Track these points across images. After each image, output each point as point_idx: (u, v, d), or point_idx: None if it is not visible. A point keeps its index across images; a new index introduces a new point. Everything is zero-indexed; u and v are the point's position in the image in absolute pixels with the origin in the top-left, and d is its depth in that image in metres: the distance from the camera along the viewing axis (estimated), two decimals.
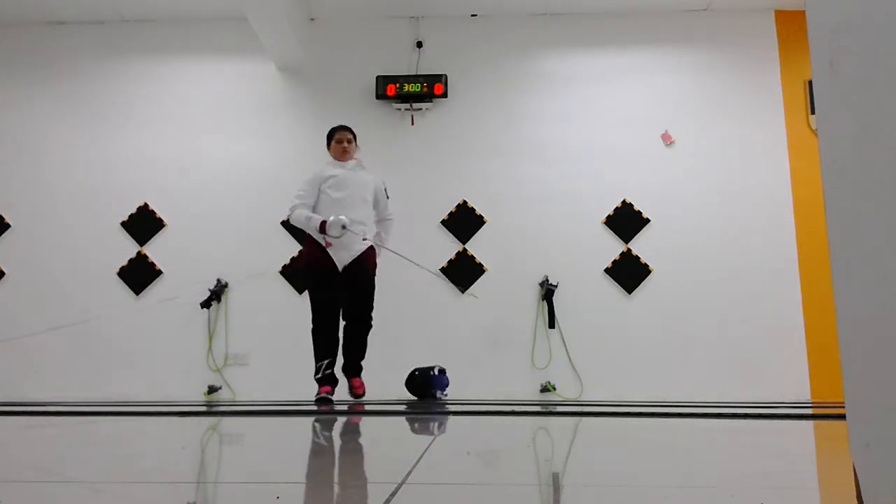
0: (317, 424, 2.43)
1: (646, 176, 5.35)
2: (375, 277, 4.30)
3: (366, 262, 4.26)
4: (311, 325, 4.18)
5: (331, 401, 4.04)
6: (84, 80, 5.76)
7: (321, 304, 4.19)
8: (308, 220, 4.12)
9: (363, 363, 4.33)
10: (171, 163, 5.61)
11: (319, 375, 4.12)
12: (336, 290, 4.18)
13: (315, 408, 3.37)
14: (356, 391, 4.25)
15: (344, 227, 4.04)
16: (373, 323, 4.30)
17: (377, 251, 4.37)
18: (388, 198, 4.44)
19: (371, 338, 5.13)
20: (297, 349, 5.17)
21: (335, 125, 4.43)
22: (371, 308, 4.31)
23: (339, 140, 4.34)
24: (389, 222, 4.42)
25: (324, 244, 4.14)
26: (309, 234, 4.22)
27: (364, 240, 4.22)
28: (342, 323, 4.26)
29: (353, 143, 4.38)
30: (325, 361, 4.14)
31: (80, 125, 5.68)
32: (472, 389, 4.93)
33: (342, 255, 4.16)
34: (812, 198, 5.23)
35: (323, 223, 4.06)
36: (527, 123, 5.50)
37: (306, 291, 5.27)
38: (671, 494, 0.98)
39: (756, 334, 5.09)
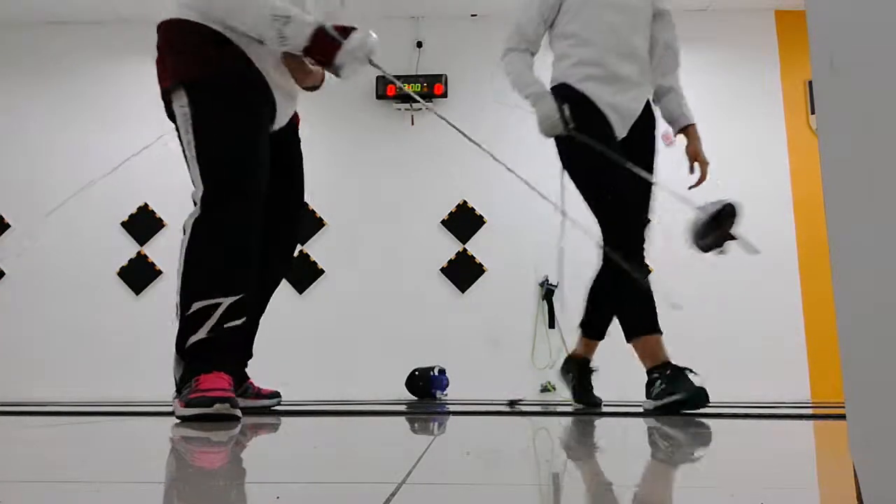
0: (316, 424, 2.42)
1: None
2: None
3: (298, 139, 2.46)
4: (197, 214, 2.09)
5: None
6: (84, 80, 5.75)
7: (250, 166, 2.10)
8: (278, 11, 2.04)
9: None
10: (172, 163, 5.60)
11: (204, 334, 1.95)
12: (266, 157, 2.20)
13: (314, 408, 3.37)
14: (259, 390, 2.67)
15: (369, 60, 2.23)
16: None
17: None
18: None
19: (371, 337, 5.12)
20: (297, 349, 5.18)
21: None
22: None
23: None
24: None
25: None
26: (190, 23, 2.22)
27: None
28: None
29: None
30: (230, 301, 1.98)
31: (80, 125, 5.68)
32: (472, 389, 4.93)
33: (283, 102, 2.27)
34: (812, 197, 5.23)
35: (324, 36, 2.06)
36: (527, 123, 5.49)
37: (306, 291, 5.32)
38: (671, 494, 0.98)
39: (756, 334, 5.09)
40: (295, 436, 2.06)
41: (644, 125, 2.94)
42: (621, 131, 2.88)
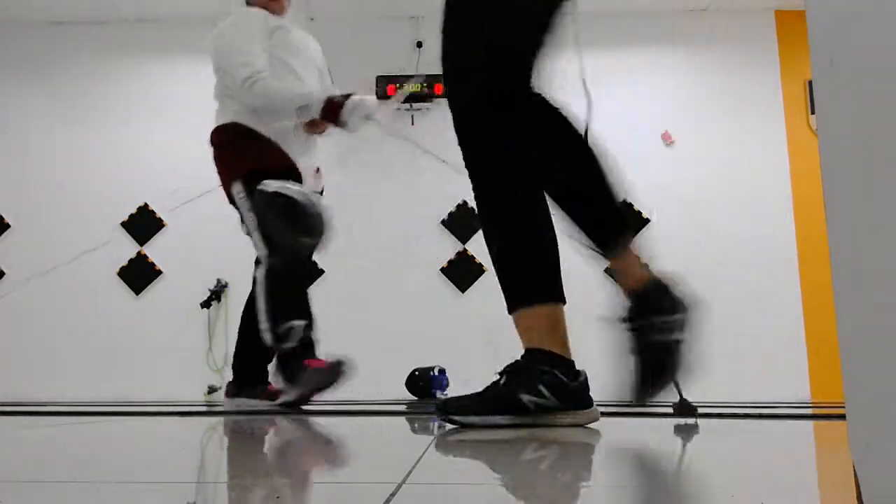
0: (316, 424, 2.42)
1: (646, 176, 5.35)
2: None
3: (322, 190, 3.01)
4: (266, 266, 2.77)
5: (342, 368, 2.75)
6: (84, 80, 5.76)
7: (296, 230, 2.70)
8: (300, 99, 2.63)
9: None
10: (172, 163, 5.61)
11: (291, 344, 2.65)
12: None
13: (314, 407, 3.37)
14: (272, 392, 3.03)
15: (369, 116, 2.67)
16: None
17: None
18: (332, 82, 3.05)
19: (371, 337, 5.12)
20: None
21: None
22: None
23: None
24: None
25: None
26: (238, 125, 2.74)
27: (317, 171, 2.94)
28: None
29: None
30: (303, 323, 2.74)
31: (80, 125, 5.68)
32: (472, 389, 4.92)
33: (305, 170, 2.83)
34: (812, 198, 5.23)
35: (332, 104, 2.60)
36: None
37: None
38: (671, 494, 0.98)
39: (756, 334, 5.09)
40: (295, 436, 2.06)
41: None
42: None
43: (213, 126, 2.95)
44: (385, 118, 2.96)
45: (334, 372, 2.77)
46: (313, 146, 2.97)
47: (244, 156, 2.77)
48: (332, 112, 2.67)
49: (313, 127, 2.85)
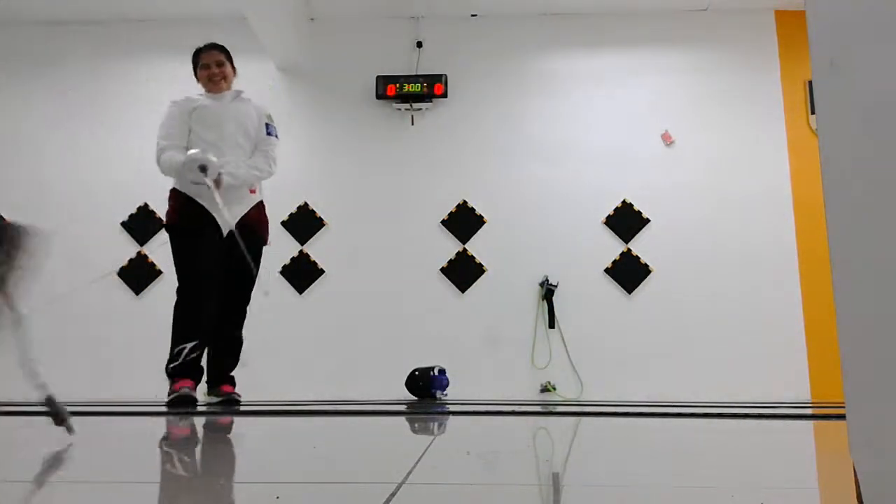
0: (317, 424, 2.42)
1: (646, 176, 5.35)
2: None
3: (258, 224, 3.45)
4: (175, 299, 3.36)
5: (194, 399, 3.25)
6: (84, 80, 5.75)
7: (197, 273, 3.26)
8: (178, 165, 3.17)
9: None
10: None
11: (179, 363, 3.21)
12: (217, 256, 3.29)
13: (315, 408, 3.36)
14: (225, 390, 3.52)
15: (203, 168, 3.10)
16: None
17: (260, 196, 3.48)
18: (275, 137, 3.50)
19: (371, 337, 5.14)
20: (297, 349, 5.19)
21: (200, 44, 3.56)
22: (251, 290, 3.48)
23: (206, 64, 3.43)
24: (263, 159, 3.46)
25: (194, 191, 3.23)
26: (173, 189, 3.41)
27: (251, 192, 3.40)
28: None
29: (228, 67, 3.49)
30: (191, 345, 3.23)
31: (80, 125, 5.68)
32: (472, 389, 4.93)
33: (233, 211, 3.26)
34: (812, 198, 5.23)
35: (203, 168, 3.10)
36: (527, 123, 5.50)
37: (306, 291, 5.33)
38: (671, 494, 0.98)
39: (756, 334, 5.09)
40: (295, 436, 2.06)
41: None
42: None
43: None
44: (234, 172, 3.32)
45: (174, 401, 3.23)
46: (240, 197, 3.37)
47: (167, 212, 3.46)
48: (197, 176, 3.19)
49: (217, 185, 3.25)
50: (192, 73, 3.60)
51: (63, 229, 5.49)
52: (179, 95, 3.48)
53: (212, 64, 3.44)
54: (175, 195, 3.39)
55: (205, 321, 3.31)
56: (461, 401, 4.33)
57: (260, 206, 3.51)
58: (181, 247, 3.34)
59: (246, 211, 3.40)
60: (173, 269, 3.46)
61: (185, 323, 3.28)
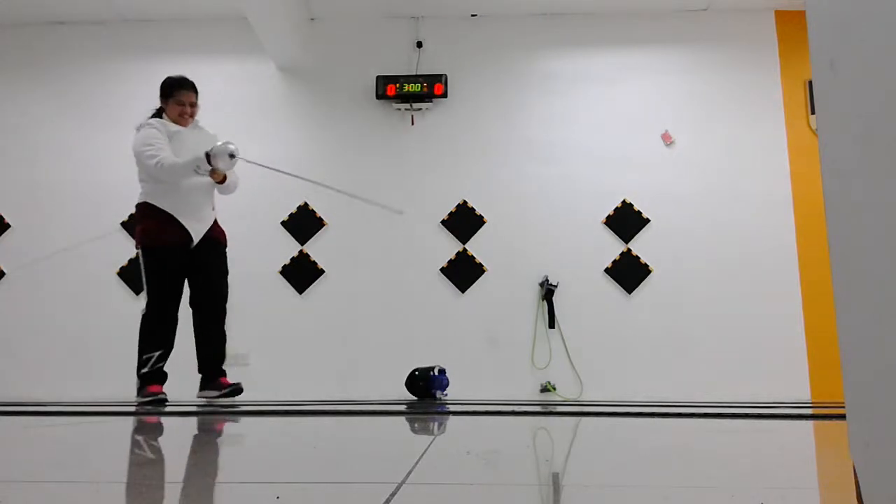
0: (316, 424, 2.43)
1: (646, 176, 5.35)
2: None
3: (219, 235, 3.78)
4: (143, 311, 3.62)
5: (166, 400, 3.52)
6: (84, 80, 5.76)
7: (166, 290, 3.59)
8: (190, 163, 3.48)
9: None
10: None
11: (147, 370, 3.52)
12: (184, 272, 3.65)
13: (315, 408, 3.37)
14: (224, 384, 3.72)
15: (232, 155, 3.47)
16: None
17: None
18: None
19: (371, 337, 5.14)
20: (297, 349, 5.19)
21: (176, 76, 3.83)
22: (227, 291, 3.77)
23: (182, 102, 3.73)
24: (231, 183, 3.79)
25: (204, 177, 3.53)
26: (147, 205, 3.63)
27: (212, 209, 3.75)
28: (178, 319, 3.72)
29: (197, 106, 3.82)
30: (158, 353, 3.56)
31: (80, 125, 5.68)
32: (472, 389, 4.93)
33: (196, 227, 3.62)
34: (812, 198, 5.23)
35: (207, 155, 3.45)
36: (527, 123, 5.50)
37: (306, 291, 5.32)
38: (671, 494, 0.98)
39: (756, 334, 5.09)
40: (295, 436, 2.06)
41: None
42: None
43: None
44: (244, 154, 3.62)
45: (152, 402, 3.47)
46: (201, 209, 3.67)
47: (143, 232, 3.64)
48: (207, 164, 3.48)
49: (215, 176, 3.59)
50: (162, 94, 3.80)
51: (64, 229, 5.49)
52: (153, 121, 3.74)
53: (187, 104, 3.77)
54: (149, 212, 3.62)
55: (171, 333, 3.64)
56: (461, 401, 4.34)
57: (216, 221, 3.83)
58: (156, 268, 3.61)
59: (211, 224, 3.75)
60: None
61: (155, 335, 3.58)
